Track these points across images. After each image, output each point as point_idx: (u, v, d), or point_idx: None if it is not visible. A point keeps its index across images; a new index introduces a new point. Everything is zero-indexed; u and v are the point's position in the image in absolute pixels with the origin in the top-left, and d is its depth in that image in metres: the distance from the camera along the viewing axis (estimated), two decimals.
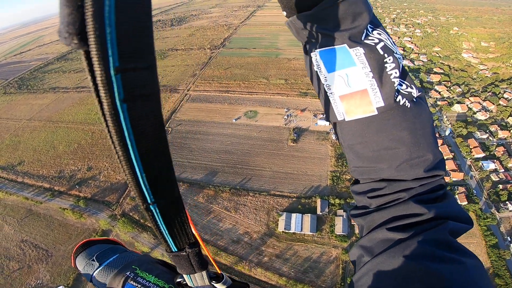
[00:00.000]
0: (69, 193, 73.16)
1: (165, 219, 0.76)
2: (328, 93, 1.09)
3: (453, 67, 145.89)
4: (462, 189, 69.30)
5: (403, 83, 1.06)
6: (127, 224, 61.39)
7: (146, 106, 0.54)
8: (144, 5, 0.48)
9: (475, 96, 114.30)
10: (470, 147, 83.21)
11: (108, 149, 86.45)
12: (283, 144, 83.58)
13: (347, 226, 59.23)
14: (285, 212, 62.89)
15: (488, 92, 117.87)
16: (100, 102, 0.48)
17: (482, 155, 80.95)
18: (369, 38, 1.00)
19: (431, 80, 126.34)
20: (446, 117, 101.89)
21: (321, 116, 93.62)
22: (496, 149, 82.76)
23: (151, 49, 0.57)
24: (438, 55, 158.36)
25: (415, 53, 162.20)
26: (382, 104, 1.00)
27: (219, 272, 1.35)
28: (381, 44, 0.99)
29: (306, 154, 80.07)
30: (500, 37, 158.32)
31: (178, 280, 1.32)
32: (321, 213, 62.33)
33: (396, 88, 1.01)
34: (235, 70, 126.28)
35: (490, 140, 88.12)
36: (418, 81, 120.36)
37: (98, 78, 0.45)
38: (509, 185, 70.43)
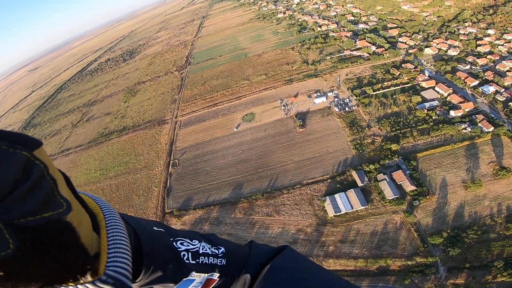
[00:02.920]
0: None
1: None
2: None
3: (402, 19, 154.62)
4: (480, 116, 71.21)
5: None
6: None
7: None
8: None
9: (436, 38, 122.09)
10: (462, 78, 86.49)
11: (127, 199, 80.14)
12: (293, 133, 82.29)
13: (395, 187, 58.87)
14: (327, 196, 61.14)
15: (445, 33, 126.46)
16: None
17: (476, 82, 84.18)
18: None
19: (392, 35, 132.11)
20: (424, 60, 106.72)
21: (315, 94, 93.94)
22: (485, 74, 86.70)
23: None
24: (383, 13, 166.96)
25: (364, 15, 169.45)
26: None
27: None
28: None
29: (319, 134, 79.38)
30: None
31: None
32: (362, 184, 61.58)
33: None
34: (213, 82, 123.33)
35: (474, 69, 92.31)
36: (383, 39, 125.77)
37: None
38: None
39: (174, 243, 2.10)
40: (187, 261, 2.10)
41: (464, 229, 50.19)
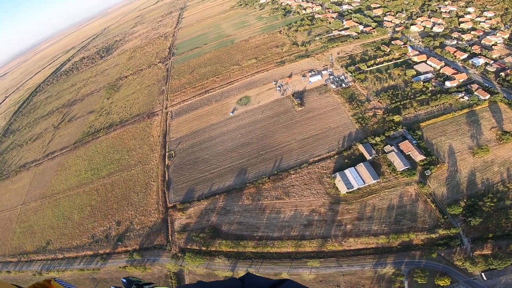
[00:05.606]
0: (116, 251, 63.06)
1: None
2: None
3: None
4: (475, 85, 71.89)
5: None
6: (193, 258, 53.49)
7: None
8: None
9: (420, 16, 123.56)
10: (451, 52, 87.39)
11: (125, 197, 74.89)
12: (292, 112, 79.79)
13: (404, 158, 57.83)
14: (337, 173, 59.34)
15: (427, 11, 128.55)
16: None
17: (465, 55, 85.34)
18: None
19: (377, 14, 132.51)
20: (412, 37, 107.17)
21: (310, 74, 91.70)
22: (473, 48, 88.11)
23: None
24: None
25: None
26: None
27: None
28: None
29: (319, 111, 77.30)
30: None
31: None
32: (371, 158, 60.32)
33: None
34: (201, 70, 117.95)
35: (461, 44, 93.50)
36: (369, 18, 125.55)
37: None
38: (508, 70, 75.89)
39: None
40: None
41: (480, 197, 49.50)
